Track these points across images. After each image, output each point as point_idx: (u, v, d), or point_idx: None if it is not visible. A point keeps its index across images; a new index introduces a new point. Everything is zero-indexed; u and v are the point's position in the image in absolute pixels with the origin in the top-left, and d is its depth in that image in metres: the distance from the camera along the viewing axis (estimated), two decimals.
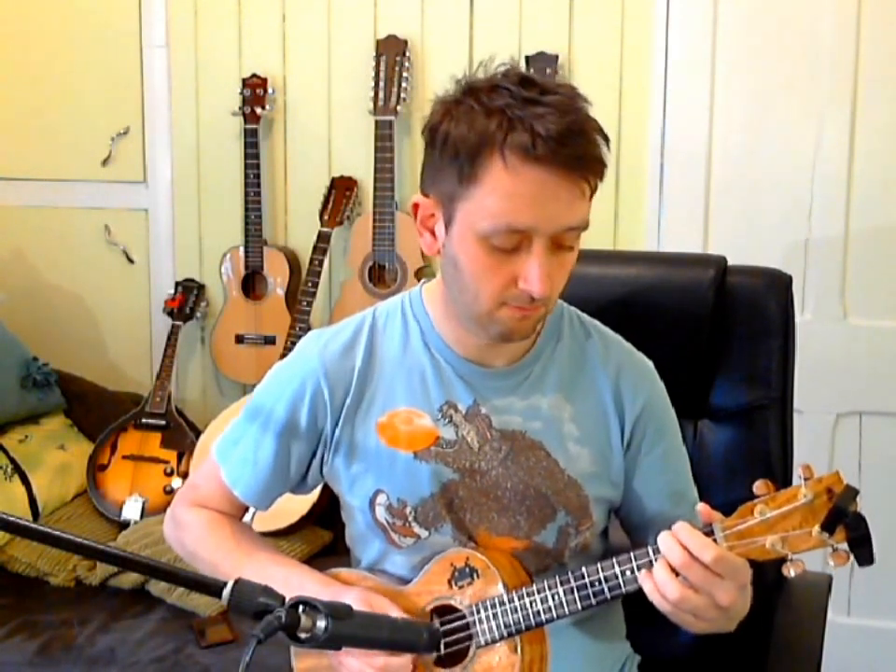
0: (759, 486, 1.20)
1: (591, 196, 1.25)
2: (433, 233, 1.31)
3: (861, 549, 1.17)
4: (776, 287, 1.71)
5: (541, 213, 1.21)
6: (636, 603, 1.39)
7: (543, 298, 1.25)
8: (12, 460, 2.73)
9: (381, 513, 1.39)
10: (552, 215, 1.22)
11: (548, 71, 2.66)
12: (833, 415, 2.68)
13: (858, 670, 2.68)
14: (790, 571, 1.18)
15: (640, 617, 1.51)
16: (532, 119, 1.19)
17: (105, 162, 3.11)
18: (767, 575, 1.26)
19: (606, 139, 1.25)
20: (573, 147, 1.19)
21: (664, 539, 1.20)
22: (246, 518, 1.53)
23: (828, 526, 1.15)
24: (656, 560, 1.23)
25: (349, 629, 1.09)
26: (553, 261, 1.25)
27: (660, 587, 1.19)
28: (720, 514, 1.22)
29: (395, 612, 1.30)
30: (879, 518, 1.22)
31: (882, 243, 2.63)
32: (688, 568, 1.18)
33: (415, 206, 1.32)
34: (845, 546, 1.17)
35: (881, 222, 2.63)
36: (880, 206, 2.62)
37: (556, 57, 2.69)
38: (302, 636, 1.05)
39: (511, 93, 1.21)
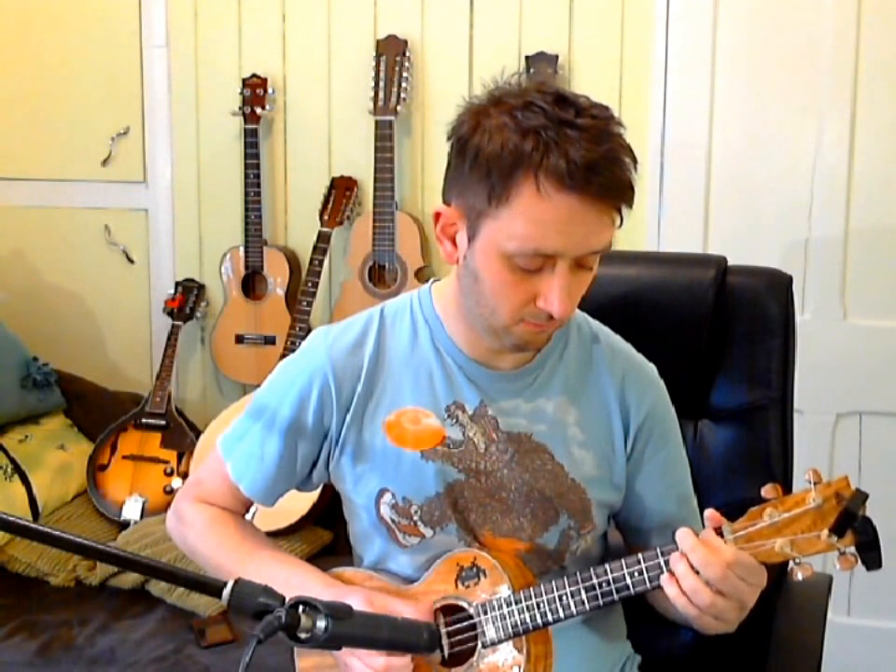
0: (767, 490, 1.20)
1: (620, 222, 1.24)
2: (454, 242, 1.31)
3: (870, 553, 1.17)
4: (776, 287, 1.71)
5: (569, 239, 1.21)
6: (636, 603, 1.39)
7: (563, 318, 1.26)
8: (12, 460, 2.74)
9: (386, 512, 1.39)
10: (579, 240, 1.22)
11: (548, 71, 2.66)
12: (833, 415, 2.68)
13: (858, 670, 2.68)
14: (797, 575, 1.19)
15: (640, 617, 1.51)
16: (567, 143, 1.17)
17: (105, 162, 3.11)
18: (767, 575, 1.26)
19: (635, 161, 1.24)
20: (606, 176, 1.19)
21: (693, 550, 1.20)
22: (247, 517, 1.53)
23: (837, 530, 1.16)
24: (665, 562, 1.23)
25: (349, 629, 1.09)
26: (573, 280, 1.25)
27: (690, 594, 1.20)
28: (726, 520, 1.22)
29: (405, 611, 1.30)
30: (880, 518, 1.22)
31: (882, 243, 2.63)
32: (722, 581, 1.19)
33: (437, 215, 1.31)
34: (853, 550, 1.18)
35: (881, 222, 2.63)
36: (880, 206, 2.62)
37: (556, 57, 2.69)
38: (302, 636, 1.05)
39: (545, 113, 1.19)
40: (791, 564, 1.21)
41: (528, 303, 1.26)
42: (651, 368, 1.47)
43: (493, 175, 1.21)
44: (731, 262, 1.73)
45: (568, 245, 1.21)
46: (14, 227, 3.23)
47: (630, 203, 1.24)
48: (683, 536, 1.22)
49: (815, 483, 1.18)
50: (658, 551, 1.25)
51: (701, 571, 1.20)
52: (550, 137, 1.18)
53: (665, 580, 1.23)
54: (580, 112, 1.20)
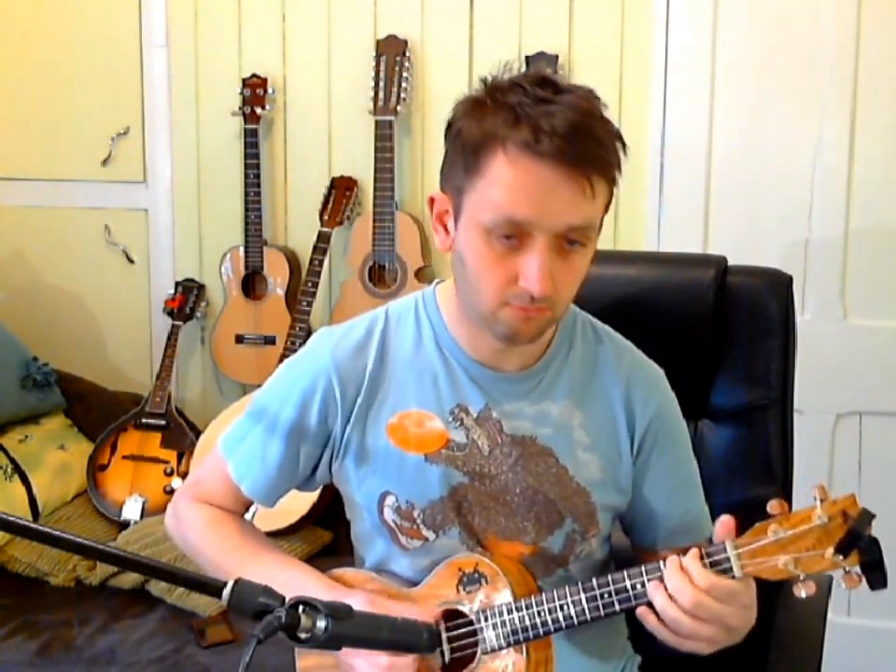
0: (773, 506, 1.19)
1: (604, 202, 1.25)
2: (446, 229, 1.32)
3: (875, 573, 1.17)
4: (776, 287, 1.71)
5: (541, 207, 1.21)
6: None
7: (543, 297, 1.24)
8: (12, 460, 2.73)
9: (388, 514, 1.39)
10: (552, 210, 1.21)
11: (548, 71, 2.67)
12: (833, 415, 2.68)
13: (858, 670, 2.68)
14: (801, 592, 1.19)
15: None
16: (540, 115, 1.19)
17: (105, 162, 3.11)
18: None
19: (623, 144, 1.24)
20: (577, 144, 1.19)
21: (672, 576, 1.22)
22: (247, 517, 1.53)
23: (842, 549, 1.15)
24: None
25: (349, 629, 1.09)
26: (558, 262, 1.24)
27: (670, 624, 1.21)
28: (732, 532, 1.22)
29: (407, 614, 1.30)
30: (879, 518, 1.21)
31: (882, 243, 2.63)
32: (697, 607, 1.19)
33: (431, 201, 1.33)
34: (857, 569, 1.17)
35: (881, 222, 2.63)
36: (880, 206, 2.62)
37: (556, 57, 2.69)
38: (302, 636, 1.05)
39: (525, 91, 1.22)
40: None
41: (511, 284, 1.24)
42: (657, 369, 1.46)
43: (467, 148, 1.24)
44: (731, 262, 1.73)
45: (541, 213, 1.21)
46: (14, 227, 3.23)
47: (608, 179, 1.24)
48: (669, 563, 1.23)
49: (821, 500, 1.17)
50: (661, 563, 1.24)
51: (674, 597, 1.20)
52: (524, 111, 1.20)
53: (641, 612, 1.23)
54: (559, 90, 1.23)
